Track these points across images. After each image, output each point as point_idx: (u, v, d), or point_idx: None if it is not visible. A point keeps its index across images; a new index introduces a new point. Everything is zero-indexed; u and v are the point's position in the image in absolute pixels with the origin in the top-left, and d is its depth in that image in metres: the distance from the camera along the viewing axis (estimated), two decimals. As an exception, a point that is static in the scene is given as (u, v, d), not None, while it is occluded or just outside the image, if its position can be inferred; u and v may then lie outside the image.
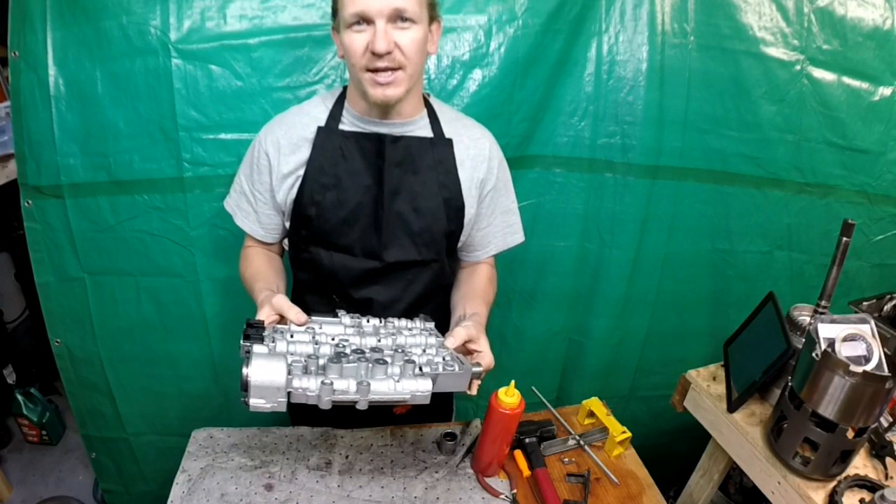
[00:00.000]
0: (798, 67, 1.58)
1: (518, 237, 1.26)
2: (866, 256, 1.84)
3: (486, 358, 0.96)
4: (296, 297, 1.22)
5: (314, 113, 1.09)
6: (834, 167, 1.69)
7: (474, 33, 1.43)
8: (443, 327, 1.18)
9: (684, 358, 1.78)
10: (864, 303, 1.39)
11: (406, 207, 1.09)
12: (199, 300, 1.55)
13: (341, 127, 1.08)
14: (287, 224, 1.14)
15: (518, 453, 1.16)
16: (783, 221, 1.74)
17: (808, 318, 1.17)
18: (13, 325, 2.50)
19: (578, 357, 1.82)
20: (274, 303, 0.94)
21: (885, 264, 1.87)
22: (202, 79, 1.36)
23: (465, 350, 0.98)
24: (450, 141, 1.11)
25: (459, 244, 1.20)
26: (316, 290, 1.19)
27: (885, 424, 1.12)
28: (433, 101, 1.15)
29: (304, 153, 1.07)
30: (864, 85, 1.63)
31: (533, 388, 1.29)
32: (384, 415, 1.25)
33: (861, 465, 1.08)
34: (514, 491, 1.10)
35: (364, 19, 0.93)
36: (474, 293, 1.16)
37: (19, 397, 2.22)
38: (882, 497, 0.94)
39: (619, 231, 1.64)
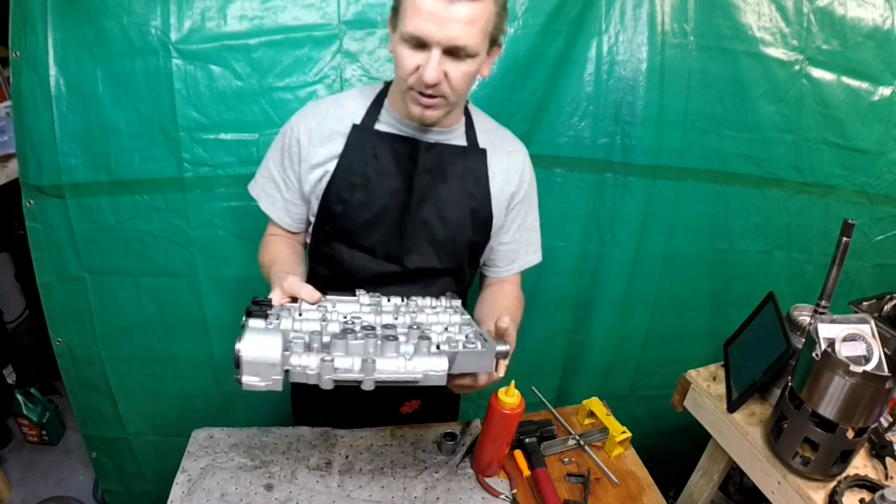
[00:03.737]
0: (797, 67, 1.58)
1: (537, 256, 1.24)
2: (866, 256, 1.84)
3: (512, 345, 0.91)
4: None
5: (351, 107, 1.07)
6: (833, 167, 1.69)
7: (474, 33, 1.43)
8: None
9: (684, 358, 1.78)
10: (864, 303, 1.39)
11: (432, 215, 1.07)
12: (199, 300, 1.56)
13: (377, 126, 1.05)
14: (311, 217, 1.13)
15: (518, 453, 1.16)
16: (783, 221, 1.74)
17: (808, 318, 1.17)
18: (13, 325, 2.50)
19: (578, 357, 1.82)
20: (285, 285, 0.89)
21: (885, 264, 1.87)
22: (202, 79, 1.36)
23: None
24: (483, 151, 1.09)
25: (483, 257, 1.19)
26: (332, 286, 1.16)
27: (885, 424, 1.12)
28: (472, 108, 1.13)
29: (335, 146, 1.05)
30: (864, 85, 1.64)
31: (533, 388, 1.29)
32: (389, 414, 1.25)
33: (861, 465, 1.08)
34: (514, 491, 1.10)
35: (420, 43, 0.89)
36: (503, 310, 1.06)
37: (19, 397, 2.22)
38: (882, 497, 0.94)
39: (619, 231, 1.64)
